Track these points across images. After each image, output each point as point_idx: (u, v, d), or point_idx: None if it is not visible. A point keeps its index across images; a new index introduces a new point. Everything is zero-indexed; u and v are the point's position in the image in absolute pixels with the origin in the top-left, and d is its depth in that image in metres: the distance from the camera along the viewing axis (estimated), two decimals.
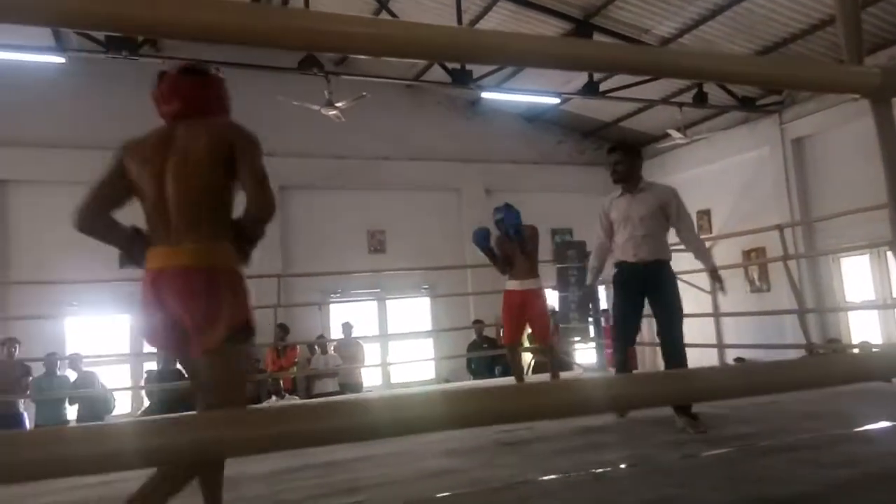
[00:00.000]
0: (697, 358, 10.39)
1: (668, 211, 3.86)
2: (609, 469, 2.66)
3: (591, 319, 7.51)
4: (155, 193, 2.07)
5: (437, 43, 1.34)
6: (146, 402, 8.65)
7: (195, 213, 2.02)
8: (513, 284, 5.25)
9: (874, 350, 7.41)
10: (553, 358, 5.62)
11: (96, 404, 7.75)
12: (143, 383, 8.64)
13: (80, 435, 1.04)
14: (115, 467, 1.04)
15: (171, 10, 1.10)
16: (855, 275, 9.28)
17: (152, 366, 8.65)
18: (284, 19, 1.22)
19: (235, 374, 2.03)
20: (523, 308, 5.23)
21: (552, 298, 8.00)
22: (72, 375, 7.93)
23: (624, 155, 3.93)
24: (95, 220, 2.22)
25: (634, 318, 3.93)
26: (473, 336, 9.89)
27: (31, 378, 7.54)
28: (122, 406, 8.94)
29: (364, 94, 8.26)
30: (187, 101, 2.18)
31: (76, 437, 1.05)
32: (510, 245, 5.13)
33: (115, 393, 8.41)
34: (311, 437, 1.15)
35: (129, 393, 9.17)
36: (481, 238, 5.16)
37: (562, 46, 1.56)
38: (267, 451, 1.17)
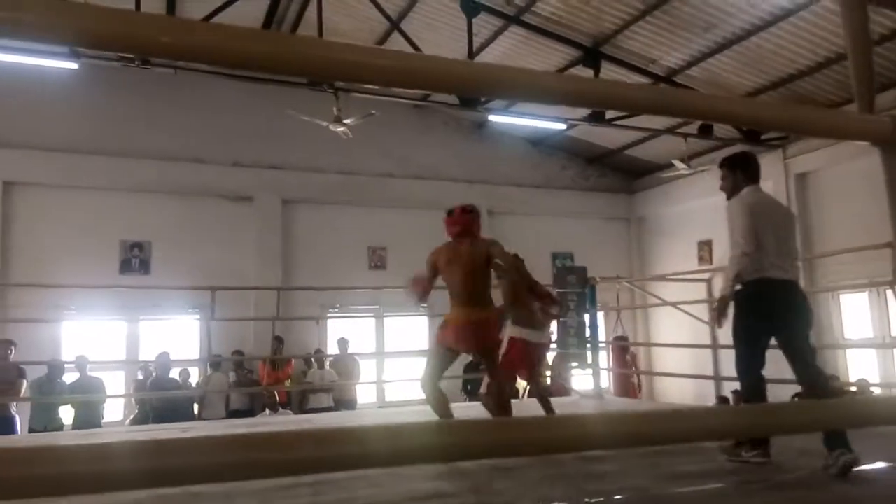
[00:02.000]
0: (691, 389, 10.38)
1: None
2: (603, 499, 2.65)
3: (588, 345, 7.48)
4: (449, 280, 4.04)
5: (445, 76, 1.35)
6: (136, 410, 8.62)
7: (475, 291, 3.96)
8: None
9: (882, 396, 7.41)
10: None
11: (93, 410, 7.71)
12: (134, 391, 8.61)
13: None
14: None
15: (182, 35, 1.13)
16: (854, 312, 9.27)
17: (139, 375, 8.62)
18: (293, 47, 1.24)
19: (498, 362, 4.22)
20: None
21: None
22: (70, 379, 7.89)
23: (726, 170, 3.58)
24: (428, 291, 4.15)
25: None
26: (470, 357, 9.84)
27: (25, 381, 7.50)
28: (115, 413, 8.90)
29: (373, 111, 8.32)
30: (464, 227, 4.10)
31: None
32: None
33: (110, 400, 8.38)
34: (304, 464, 1.15)
35: (123, 401, 9.12)
36: None
37: (571, 84, 1.58)
38: (262, 477, 1.16)
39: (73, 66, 7.77)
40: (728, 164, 3.57)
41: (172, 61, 8.48)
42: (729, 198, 3.53)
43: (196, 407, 8.47)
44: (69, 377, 7.89)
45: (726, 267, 3.39)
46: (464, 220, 4.08)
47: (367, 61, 1.28)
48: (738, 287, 3.36)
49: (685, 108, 1.40)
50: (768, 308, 3.31)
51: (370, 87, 9.18)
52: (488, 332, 3.98)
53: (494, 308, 4.07)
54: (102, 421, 7.84)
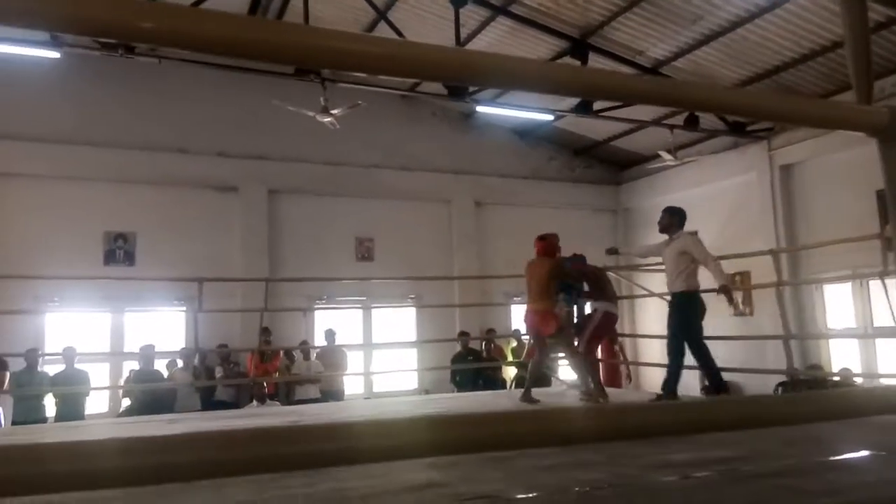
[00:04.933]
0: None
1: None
2: (592, 489, 2.66)
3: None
4: (528, 282, 5.73)
5: (432, 63, 1.33)
6: (124, 402, 8.55)
7: (539, 291, 5.57)
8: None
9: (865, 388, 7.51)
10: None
11: (76, 402, 7.64)
12: (125, 383, 8.55)
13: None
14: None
15: (168, 21, 1.10)
16: (837, 302, 9.38)
17: (135, 365, 8.55)
18: (279, 34, 1.21)
19: (566, 342, 5.76)
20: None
21: None
22: (53, 371, 7.81)
23: (668, 214, 5.46)
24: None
25: None
26: (458, 348, 9.87)
27: (8, 373, 7.42)
28: (100, 405, 8.83)
29: (360, 102, 8.27)
30: (541, 249, 5.78)
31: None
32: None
33: (94, 392, 8.32)
34: (295, 460, 1.14)
35: (108, 393, 9.05)
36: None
37: (560, 72, 1.57)
38: (250, 474, 1.15)
39: (55, 55, 7.65)
40: (669, 212, 5.46)
41: (156, 50, 8.38)
42: (661, 231, 5.45)
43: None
44: (53, 368, 7.82)
45: (719, 268, 5.09)
46: (539, 245, 5.82)
47: (355, 48, 1.26)
48: (685, 292, 5.12)
49: (691, 99, 1.39)
50: (701, 310, 5.18)
51: (357, 77, 9.13)
52: (541, 318, 5.61)
53: (552, 304, 5.60)
54: (86, 413, 7.78)
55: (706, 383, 10.24)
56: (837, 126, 1.51)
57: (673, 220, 5.38)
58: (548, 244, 5.80)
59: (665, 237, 5.44)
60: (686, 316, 5.07)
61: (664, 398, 5.09)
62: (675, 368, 5.17)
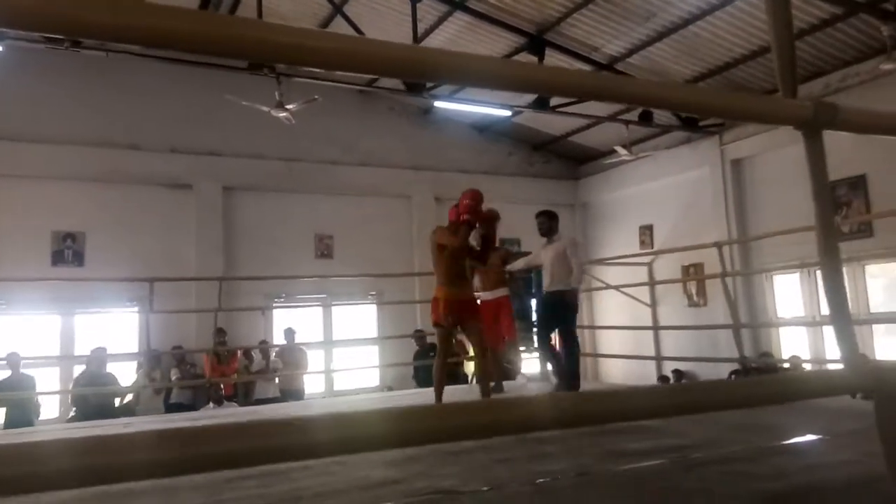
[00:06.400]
0: (634, 369, 10.67)
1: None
2: (549, 480, 2.70)
3: (534, 329, 7.58)
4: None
5: (391, 60, 1.33)
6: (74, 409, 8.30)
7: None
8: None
9: (810, 372, 7.74)
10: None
11: (27, 408, 7.39)
12: (72, 387, 8.30)
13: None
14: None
15: (119, 15, 1.07)
16: (786, 292, 9.68)
17: (82, 368, 8.32)
18: (232, 28, 1.19)
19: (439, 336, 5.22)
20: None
21: None
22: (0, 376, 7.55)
23: (545, 218, 5.71)
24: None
25: None
26: (417, 347, 9.87)
27: None
28: (51, 411, 8.57)
29: (316, 97, 8.18)
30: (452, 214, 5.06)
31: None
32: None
33: (46, 397, 8.05)
34: (248, 456, 1.13)
35: (59, 398, 8.79)
36: None
37: (518, 69, 1.58)
38: (204, 471, 1.14)
39: None
40: (548, 216, 5.69)
41: (104, 44, 8.14)
42: (543, 235, 5.65)
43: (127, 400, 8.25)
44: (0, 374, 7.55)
45: (581, 273, 5.51)
46: (452, 212, 5.13)
47: (309, 44, 1.24)
48: (569, 290, 5.38)
49: (624, 93, 1.43)
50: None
51: (313, 71, 9.03)
52: (432, 302, 5.17)
53: (437, 287, 5.14)
54: (38, 419, 7.54)
55: (664, 374, 10.52)
56: (765, 120, 1.56)
57: (553, 223, 5.65)
58: (462, 207, 4.83)
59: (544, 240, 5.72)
60: (572, 311, 5.55)
61: (568, 386, 5.43)
62: (575, 355, 5.63)
